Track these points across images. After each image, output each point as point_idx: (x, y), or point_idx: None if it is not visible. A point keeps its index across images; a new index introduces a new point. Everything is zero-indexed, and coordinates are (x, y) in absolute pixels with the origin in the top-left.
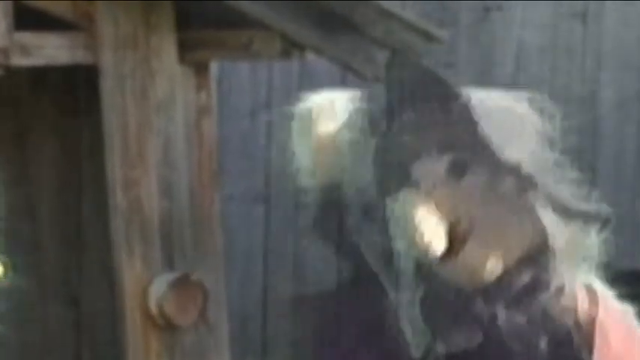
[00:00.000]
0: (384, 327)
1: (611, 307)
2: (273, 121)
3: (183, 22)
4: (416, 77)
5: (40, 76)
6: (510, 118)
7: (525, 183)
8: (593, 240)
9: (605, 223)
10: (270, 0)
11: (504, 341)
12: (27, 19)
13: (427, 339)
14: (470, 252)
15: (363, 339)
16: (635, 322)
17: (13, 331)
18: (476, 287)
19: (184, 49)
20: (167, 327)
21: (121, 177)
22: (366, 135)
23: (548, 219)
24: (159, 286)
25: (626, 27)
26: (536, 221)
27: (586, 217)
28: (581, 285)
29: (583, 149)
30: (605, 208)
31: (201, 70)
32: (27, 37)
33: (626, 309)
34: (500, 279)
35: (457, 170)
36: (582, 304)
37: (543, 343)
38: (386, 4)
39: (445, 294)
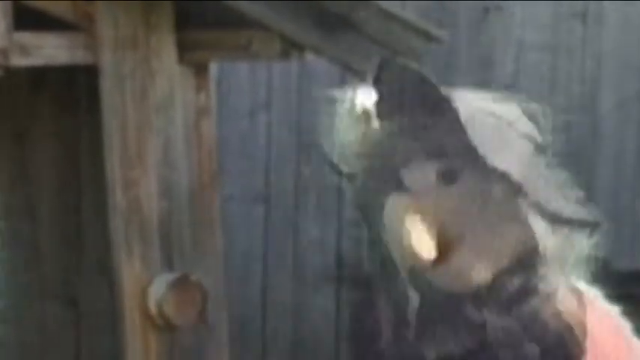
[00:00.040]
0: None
1: (600, 310)
2: (273, 122)
3: (183, 23)
4: (406, 81)
5: (40, 76)
6: (499, 124)
7: (514, 190)
8: (583, 245)
9: (595, 227)
10: (269, 0)
11: (494, 347)
12: (26, 19)
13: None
14: (459, 258)
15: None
16: (624, 323)
17: (12, 330)
18: (466, 293)
19: (184, 49)
20: (166, 327)
21: (120, 177)
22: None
23: (538, 225)
24: (158, 287)
25: (626, 27)
26: (526, 227)
27: (576, 223)
28: (570, 289)
29: (583, 149)
30: (595, 213)
31: (200, 70)
32: (26, 37)
33: (615, 311)
34: (490, 285)
35: (447, 176)
36: (571, 308)
37: (533, 349)
38: (386, 5)
39: (436, 299)
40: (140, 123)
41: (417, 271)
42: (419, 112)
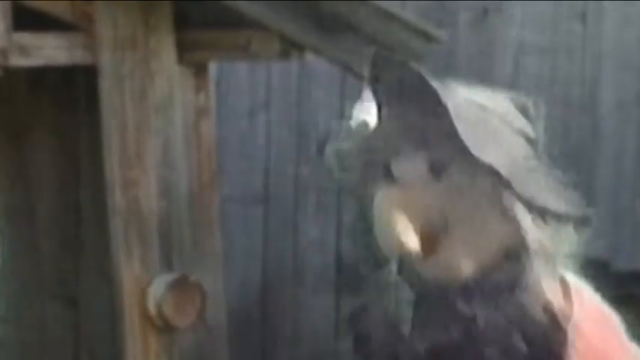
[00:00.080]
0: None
1: (587, 302)
2: (272, 122)
3: (182, 23)
4: (396, 74)
5: (39, 76)
6: (488, 117)
7: (501, 182)
8: (572, 239)
9: (584, 222)
10: (268, 0)
11: (482, 340)
12: (26, 19)
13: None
14: (447, 250)
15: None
16: (612, 315)
17: (11, 330)
18: (454, 286)
19: (183, 49)
20: (165, 328)
21: (119, 177)
22: None
23: (526, 217)
24: (157, 287)
25: (626, 27)
26: (513, 220)
27: (564, 217)
28: (557, 281)
29: (583, 149)
30: (585, 208)
31: (199, 70)
32: (26, 38)
33: (604, 304)
34: (477, 277)
35: (435, 168)
36: (558, 300)
37: (520, 341)
38: (385, 5)
39: (425, 292)
40: (139, 123)
41: (406, 263)
42: (408, 104)
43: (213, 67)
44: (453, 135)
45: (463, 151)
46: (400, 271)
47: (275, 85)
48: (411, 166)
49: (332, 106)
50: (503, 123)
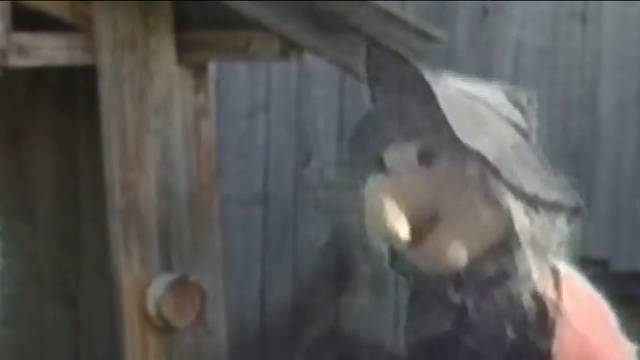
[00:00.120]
0: None
1: (577, 291)
2: (272, 122)
3: (182, 23)
4: (387, 63)
5: (38, 76)
6: (479, 107)
7: (489, 170)
8: (563, 228)
9: (576, 211)
10: (268, 0)
11: (472, 328)
12: (25, 19)
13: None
14: (437, 240)
15: None
16: (603, 304)
17: (10, 331)
18: (443, 274)
19: (182, 50)
20: (165, 328)
21: (119, 178)
22: None
23: (516, 207)
24: (157, 288)
25: (626, 27)
26: (503, 210)
27: (554, 206)
28: (548, 271)
29: (583, 149)
30: (576, 197)
31: (199, 71)
32: (25, 38)
33: (595, 293)
34: (467, 266)
35: (425, 157)
36: (547, 289)
37: (509, 330)
38: (385, 5)
39: (417, 281)
40: (139, 124)
41: (399, 253)
42: (399, 93)
43: (212, 68)
44: (442, 123)
45: (452, 139)
46: (392, 261)
47: (274, 86)
48: (402, 156)
49: (332, 106)
50: (494, 113)
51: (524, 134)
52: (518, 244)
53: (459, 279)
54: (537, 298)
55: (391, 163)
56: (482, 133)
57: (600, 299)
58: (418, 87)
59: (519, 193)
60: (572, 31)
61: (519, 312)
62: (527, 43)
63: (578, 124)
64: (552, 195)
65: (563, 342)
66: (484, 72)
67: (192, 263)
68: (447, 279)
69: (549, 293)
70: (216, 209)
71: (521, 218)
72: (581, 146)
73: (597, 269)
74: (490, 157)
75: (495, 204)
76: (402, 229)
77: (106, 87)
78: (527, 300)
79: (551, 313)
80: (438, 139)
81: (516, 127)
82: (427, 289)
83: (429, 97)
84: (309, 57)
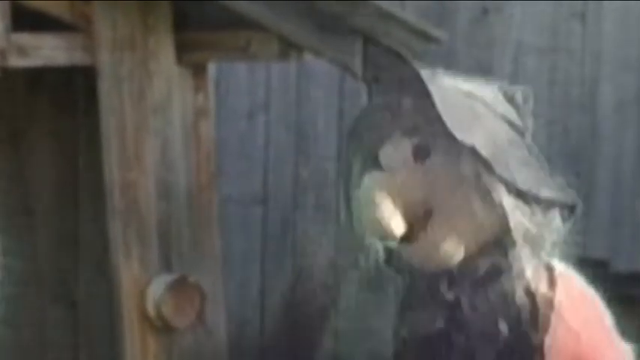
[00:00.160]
0: None
1: (572, 288)
2: (271, 123)
3: (181, 24)
4: (386, 63)
5: (37, 77)
6: (474, 103)
7: (482, 163)
8: (558, 225)
9: (572, 209)
10: (268, 0)
11: (465, 325)
12: (24, 19)
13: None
14: (431, 235)
15: None
16: (598, 303)
17: (10, 332)
18: (437, 271)
19: (182, 50)
20: (164, 329)
21: (118, 178)
22: None
23: (510, 204)
24: (156, 288)
25: (626, 27)
26: (498, 206)
27: (548, 202)
28: (542, 268)
29: (583, 150)
30: (571, 195)
31: (198, 71)
32: (24, 38)
33: (591, 292)
34: (461, 263)
35: (420, 154)
36: (541, 286)
37: (502, 327)
38: (385, 5)
39: (409, 277)
40: (138, 124)
41: (394, 250)
42: (395, 90)
43: (212, 68)
44: (436, 120)
45: (447, 136)
46: (387, 257)
47: (274, 86)
48: (397, 152)
49: (331, 106)
50: (490, 110)
51: (520, 132)
52: (513, 242)
53: (452, 276)
54: (531, 295)
55: (386, 160)
56: (476, 130)
57: (596, 298)
58: (414, 84)
59: (513, 189)
60: (572, 31)
61: (513, 309)
62: (526, 43)
63: (578, 124)
64: (546, 192)
65: (556, 338)
66: (484, 72)
67: (192, 263)
68: (441, 276)
69: (543, 290)
70: (216, 209)
71: (516, 215)
72: (581, 146)
73: (597, 269)
74: (484, 153)
75: (490, 201)
76: (396, 225)
77: (105, 87)
78: (520, 297)
79: (544, 309)
80: (433, 136)
81: (512, 124)
82: (421, 285)
83: (424, 94)
84: (308, 57)
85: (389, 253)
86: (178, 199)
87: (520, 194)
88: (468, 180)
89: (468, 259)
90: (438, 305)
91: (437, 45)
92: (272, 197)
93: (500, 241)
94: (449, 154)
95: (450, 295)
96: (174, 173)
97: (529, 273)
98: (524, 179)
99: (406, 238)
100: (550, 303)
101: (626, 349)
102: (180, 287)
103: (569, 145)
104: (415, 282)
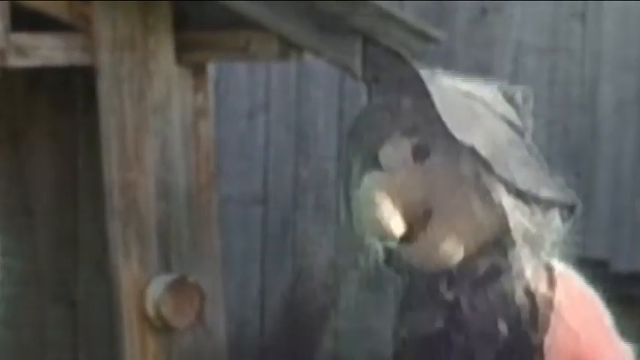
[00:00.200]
0: None
1: (571, 288)
2: (271, 123)
3: (181, 24)
4: (386, 63)
5: (37, 77)
6: (473, 104)
7: (481, 163)
8: (557, 225)
9: (571, 209)
10: (268, 0)
11: (465, 325)
12: (23, 19)
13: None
14: (431, 235)
15: None
16: (598, 303)
17: (9, 332)
18: (437, 271)
19: (182, 50)
20: (164, 329)
21: (118, 179)
22: None
23: (510, 204)
24: (156, 288)
25: (626, 27)
26: (497, 206)
27: (548, 202)
28: (541, 268)
29: (582, 150)
30: (571, 195)
31: (198, 71)
32: (23, 38)
33: (590, 292)
34: (460, 263)
35: (420, 154)
36: (541, 286)
37: (502, 327)
38: (384, 5)
39: (409, 278)
40: (138, 124)
41: (394, 250)
42: (394, 90)
43: (212, 68)
44: (436, 120)
45: (447, 136)
46: (387, 257)
47: (274, 86)
48: (397, 152)
49: (331, 106)
50: (489, 110)
51: (520, 132)
52: (512, 242)
53: (452, 276)
54: (530, 295)
55: (386, 160)
56: (476, 130)
57: (595, 298)
58: (413, 84)
59: (512, 189)
60: (572, 31)
61: (512, 309)
62: (526, 43)
63: (578, 124)
64: (546, 192)
65: (555, 338)
66: (483, 72)
67: (192, 263)
68: (441, 276)
69: (543, 290)
70: (216, 209)
71: (516, 215)
72: (581, 146)
73: (597, 269)
74: (483, 153)
75: (489, 201)
76: (396, 225)
77: (104, 87)
78: (520, 297)
79: (544, 309)
80: (432, 136)
81: (511, 124)
82: (420, 285)
83: (423, 94)
84: (308, 57)
85: (388, 253)
86: (178, 199)
87: (520, 194)
88: (468, 180)
89: (468, 259)
90: (437, 305)
91: (436, 45)
92: (272, 197)
93: (500, 241)
94: (448, 154)
95: (449, 295)
96: (174, 173)
97: (529, 273)
98: (523, 179)
99: (406, 238)
100: (550, 303)
101: (625, 349)
102: (179, 287)
103: (569, 145)
104: (415, 282)
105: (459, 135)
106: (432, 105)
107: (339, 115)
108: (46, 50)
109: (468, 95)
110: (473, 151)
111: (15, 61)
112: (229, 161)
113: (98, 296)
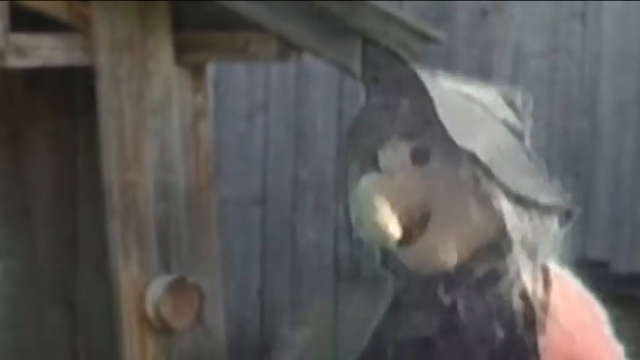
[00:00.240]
0: None
1: (568, 292)
2: (270, 123)
3: (180, 24)
4: (385, 64)
5: (36, 77)
6: (473, 107)
7: (481, 170)
8: (555, 231)
9: (569, 214)
10: (267, 0)
11: (461, 328)
12: (23, 20)
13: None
14: (429, 238)
15: None
16: (594, 306)
17: (9, 333)
18: (434, 274)
19: (181, 50)
20: (164, 330)
21: (117, 179)
22: None
23: (508, 208)
24: (155, 289)
25: (626, 27)
26: (495, 210)
27: (546, 208)
28: (538, 272)
29: (582, 150)
30: (568, 200)
31: (197, 72)
32: (23, 39)
33: (587, 294)
34: (457, 266)
35: (419, 157)
36: (537, 290)
37: (498, 330)
38: (383, 5)
39: (408, 281)
40: (137, 124)
41: (392, 253)
42: (394, 93)
43: (211, 68)
44: (436, 124)
45: (446, 139)
46: (384, 259)
47: (273, 87)
48: (396, 155)
49: (330, 107)
50: (489, 114)
51: (519, 136)
52: (510, 246)
53: (449, 279)
54: (526, 298)
55: (385, 163)
56: (476, 134)
57: (592, 300)
58: (413, 87)
59: (511, 194)
60: (572, 31)
61: (509, 312)
62: (526, 43)
63: (578, 124)
64: (545, 197)
65: (550, 339)
66: (483, 72)
67: (191, 264)
68: (438, 279)
69: (539, 293)
70: (215, 210)
71: (513, 220)
72: (581, 147)
73: (597, 270)
74: (483, 158)
75: (487, 205)
76: (393, 228)
77: (104, 87)
78: (516, 301)
79: (540, 312)
80: (432, 139)
81: (511, 128)
82: (417, 288)
83: (423, 97)
84: (307, 58)
85: (385, 255)
86: (177, 199)
87: (519, 199)
88: (467, 184)
89: (465, 263)
90: (434, 308)
91: (436, 45)
92: (271, 198)
93: (498, 246)
94: (448, 158)
95: (446, 299)
96: (173, 174)
97: (525, 277)
98: (522, 184)
99: (403, 241)
100: (545, 306)
101: (621, 352)
102: (179, 288)
103: (569, 145)
104: (412, 284)
105: (459, 140)
106: (432, 109)
107: (338, 116)
108: (46, 50)
109: (468, 98)
110: (473, 156)
111: (14, 62)
112: (228, 162)
113: (98, 297)
